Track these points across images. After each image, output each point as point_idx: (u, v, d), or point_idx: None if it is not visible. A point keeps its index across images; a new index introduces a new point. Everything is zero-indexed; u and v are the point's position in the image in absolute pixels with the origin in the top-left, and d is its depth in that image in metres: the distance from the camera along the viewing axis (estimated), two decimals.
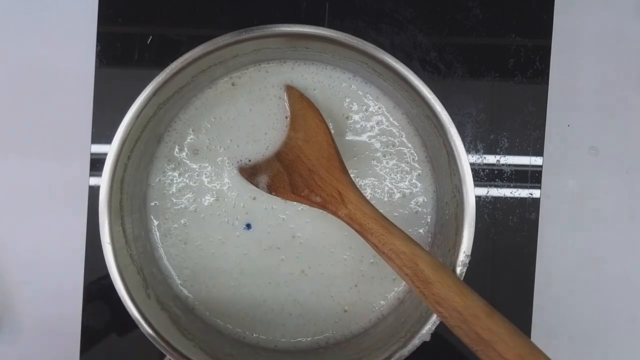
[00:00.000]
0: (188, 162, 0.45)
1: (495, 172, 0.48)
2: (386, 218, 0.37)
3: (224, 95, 0.45)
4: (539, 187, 0.48)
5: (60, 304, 0.50)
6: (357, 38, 0.38)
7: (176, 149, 0.45)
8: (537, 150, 0.48)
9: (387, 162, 0.45)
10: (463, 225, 0.38)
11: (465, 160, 0.38)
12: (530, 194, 0.48)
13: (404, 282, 0.45)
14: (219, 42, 0.39)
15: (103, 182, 0.39)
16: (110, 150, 0.39)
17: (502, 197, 0.48)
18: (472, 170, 0.38)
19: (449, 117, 0.38)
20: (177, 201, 0.45)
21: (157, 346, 0.38)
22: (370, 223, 0.37)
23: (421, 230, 0.45)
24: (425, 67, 0.48)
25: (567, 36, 0.50)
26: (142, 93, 0.38)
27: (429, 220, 0.45)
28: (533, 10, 0.48)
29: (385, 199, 0.45)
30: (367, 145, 0.45)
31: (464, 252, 0.37)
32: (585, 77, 0.50)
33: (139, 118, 0.39)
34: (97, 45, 0.48)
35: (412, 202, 0.45)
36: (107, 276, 0.39)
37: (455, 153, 0.38)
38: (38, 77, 0.50)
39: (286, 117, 0.45)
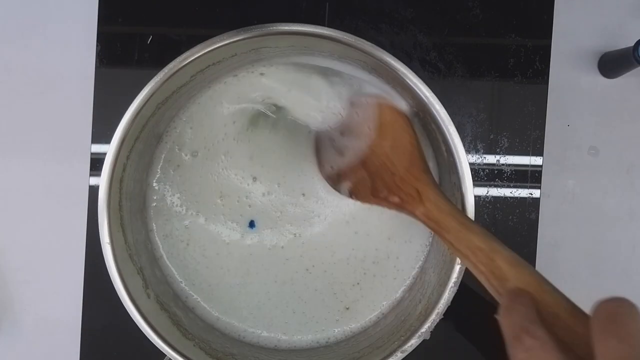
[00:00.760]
0: (188, 161, 0.45)
1: (495, 172, 0.48)
2: (465, 215, 0.36)
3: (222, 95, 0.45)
4: (539, 187, 0.48)
5: (60, 304, 0.50)
6: (356, 37, 0.38)
7: (176, 149, 0.45)
8: (537, 150, 0.48)
9: None
10: None
11: (465, 159, 0.38)
12: (530, 193, 0.48)
13: (404, 282, 0.45)
14: (216, 41, 0.39)
15: (102, 181, 0.39)
16: (109, 149, 0.38)
17: (502, 197, 0.48)
18: (472, 170, 0.38)
19: (449, 117, 0.38)
20: (177, 201, 0.45)
21: (157, 346, 0.38)
22: (446, 220, 0.35)
23: (421, 230, 0.45)
24: (425, 67, 0.48)
25: (567, 36, 0.50)
26: (140, 92, 0.38)
27: None
28: (533, 10, 0.48)
29: None
30: None
31: None
32: (585, 77, 0.50)
33: (138, 117, 0.39)
34: (97, 45, 0.48)
35: None
36: (107, 276, 0.39)
37: (455, 153, 0.38)
38: (38, 77, 0.50)
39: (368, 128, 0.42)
